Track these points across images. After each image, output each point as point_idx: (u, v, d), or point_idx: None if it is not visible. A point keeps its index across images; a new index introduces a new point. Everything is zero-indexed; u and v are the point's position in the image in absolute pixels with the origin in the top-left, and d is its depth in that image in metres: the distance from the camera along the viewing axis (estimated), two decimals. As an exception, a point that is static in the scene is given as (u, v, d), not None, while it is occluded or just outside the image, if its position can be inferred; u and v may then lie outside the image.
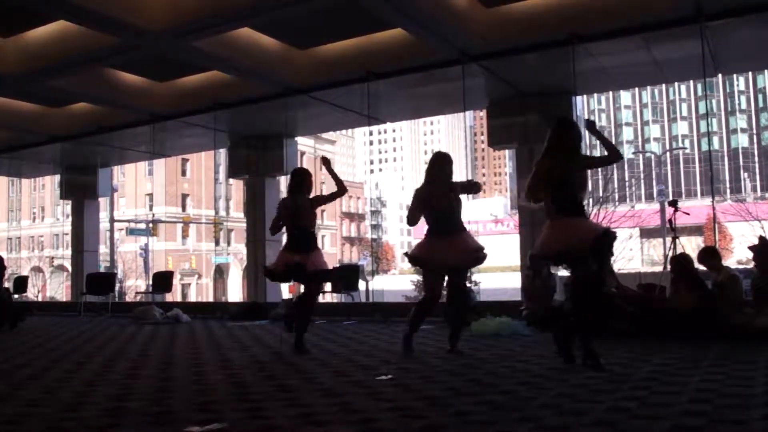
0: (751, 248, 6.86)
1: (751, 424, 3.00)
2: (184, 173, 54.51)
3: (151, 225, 37.97)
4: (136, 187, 53.09)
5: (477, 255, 5.62)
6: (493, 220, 56.43)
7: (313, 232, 6.24)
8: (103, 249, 26.02)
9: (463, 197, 5.74)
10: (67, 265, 29.69)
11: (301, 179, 6.24)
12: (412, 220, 5.80)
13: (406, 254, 6.00)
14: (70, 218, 17.42)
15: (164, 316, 10.75)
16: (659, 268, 11.04)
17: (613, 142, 5.35)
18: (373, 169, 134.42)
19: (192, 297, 50.94)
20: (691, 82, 73.37)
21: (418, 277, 24.51)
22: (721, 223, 38.94)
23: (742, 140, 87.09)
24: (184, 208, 53.72)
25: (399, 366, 5.11)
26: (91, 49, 9.24)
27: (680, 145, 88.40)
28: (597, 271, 4.67)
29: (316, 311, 6.20)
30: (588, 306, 4.66)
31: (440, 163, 5.75)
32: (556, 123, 4.93)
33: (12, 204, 64.02)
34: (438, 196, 5.60)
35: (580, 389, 3.89)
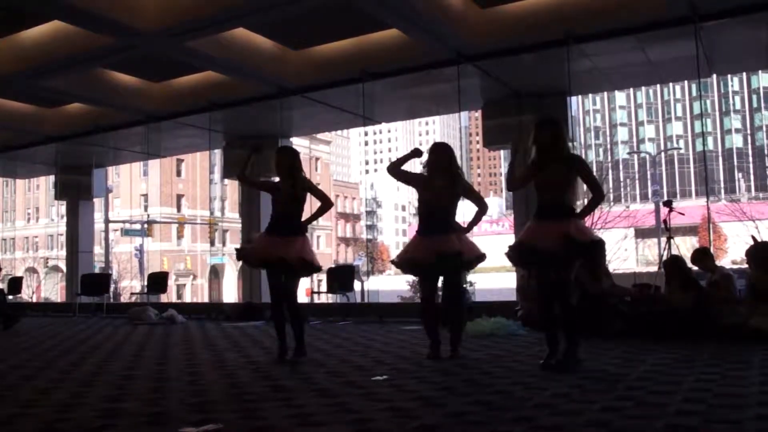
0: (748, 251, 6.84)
1: (745, 423, 3.01)
2: (179, 174, 54.37)
3: (146, 225, 37.85)
4: (131, 187, 52.95)
5: (459, 257, 5.26)
6: (488, 221, 56.51)
7: (298, 218, 5.73)
8: (98, 250, 25.94)
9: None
10: (62, 265, 29.62)
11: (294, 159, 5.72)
12: (393, 166, 5.52)
13: (392, 261, 5.75)
14: (64, 219, 17.39)
15: (159, 316, 10.74)
16: (654, 268, 11.07)
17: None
18: (368, 169, 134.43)
19: (187, 298, 50.86)
20: (686, 82, 73.46)
21: (414, 278, 24.42)
22: (716, 223, 39.01)
23: (737, 140, 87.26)
24: (179, 208, 53.61)
25: (394, 366, 5.11)
26: (86, 49, 9.22)
27: (675, 145, 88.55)
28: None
29: (311, 312, 6.09)
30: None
31: (432, 153, 5.52)
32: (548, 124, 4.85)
33: (6, 205, 63.87)
34: (436, 186, 5.38)
35: (575, 389, 3.90)
